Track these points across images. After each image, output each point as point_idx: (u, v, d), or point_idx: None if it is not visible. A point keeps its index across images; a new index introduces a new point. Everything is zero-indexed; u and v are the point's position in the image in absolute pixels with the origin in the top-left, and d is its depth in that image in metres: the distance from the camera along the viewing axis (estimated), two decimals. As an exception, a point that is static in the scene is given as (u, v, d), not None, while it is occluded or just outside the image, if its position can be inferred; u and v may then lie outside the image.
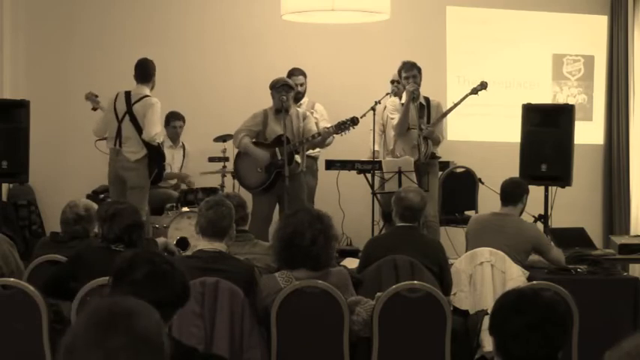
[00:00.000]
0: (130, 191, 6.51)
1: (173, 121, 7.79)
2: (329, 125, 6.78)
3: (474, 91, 7.06)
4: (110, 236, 4.32)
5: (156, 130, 6.50)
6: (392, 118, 7.05)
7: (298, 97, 7.16)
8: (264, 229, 6.29)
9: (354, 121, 6.62)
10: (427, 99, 7.02)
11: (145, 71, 6.62)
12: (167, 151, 7.69)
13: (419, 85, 6.88)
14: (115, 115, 6.58)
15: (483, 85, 7.05)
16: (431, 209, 6.64)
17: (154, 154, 6.55)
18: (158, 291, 2.34)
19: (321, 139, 6.68)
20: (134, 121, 6.50)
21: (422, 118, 6.90)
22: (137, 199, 6.24)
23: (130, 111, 6.51)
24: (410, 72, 6.86)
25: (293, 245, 3.96)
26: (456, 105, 7.02)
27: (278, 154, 6.60)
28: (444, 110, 7.12)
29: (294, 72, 7.27)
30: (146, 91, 6.57)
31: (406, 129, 6.92)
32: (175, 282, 2.42)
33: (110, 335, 1.57)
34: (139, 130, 6.49)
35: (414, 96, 6.80)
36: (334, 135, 6.70)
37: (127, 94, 6.57)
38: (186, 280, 2.48)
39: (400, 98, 7.10)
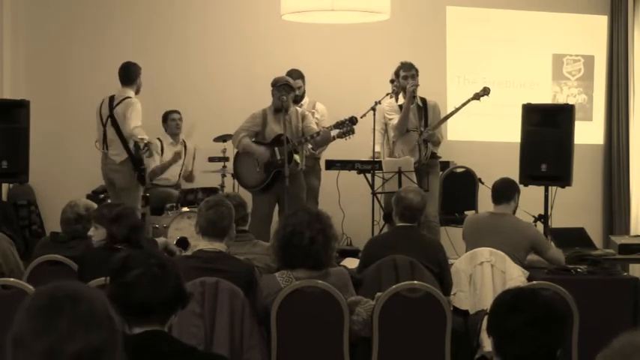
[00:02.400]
0: (120, 193, 6.65)
1: (170, 114, 7.79)
2: (327, 127, 6.77)
3: (476, 97, 7.03)
4: (119, 237, 4.35)
5: (135, 123, 6.53)
6: (390, 119, 7.04)
7: (296, 100, 7.08)
8: (264, 229, 6.28)
9: (352, 121, 6.62)
10: (424, 100, 7.02)
11: (127, 74, 6.72)
12: (168, 149, 7.70)
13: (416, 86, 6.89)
14: (100, 120, 6.73)
15: (486, 91, 7.03)
16: (432, 209, 6.65)
17: (134, 157, 6.61)
18: (149, 293, 2.33)
19: (321, 139, 6.67)
20: (115, 124, 6.63)
21: (420, 119, 6.90)
22: (128, 201, 6.30)
23: (111, 114, 6.65)
24: (409, 72, 6.87)
25: (292, 245, 3.96)
26: (457, 109, 7.02)
27: (277, 154, 6.59)
28: (442, 111, 7.13)
29: (291, 75, 7.09)
30: (129, 93, 6.67)
31: (406, 130, 6.92)
32: (168, 285, 2.38)
33: (57, 318, 1.58)
34: (120, 132, 6.61)
35: (413, 95, 6.80)
36: (337, 138, 6.69)
37: (111, 98, 6.70)
38: (181, 283, 2.43)
39: (397, 100, 7.09)
